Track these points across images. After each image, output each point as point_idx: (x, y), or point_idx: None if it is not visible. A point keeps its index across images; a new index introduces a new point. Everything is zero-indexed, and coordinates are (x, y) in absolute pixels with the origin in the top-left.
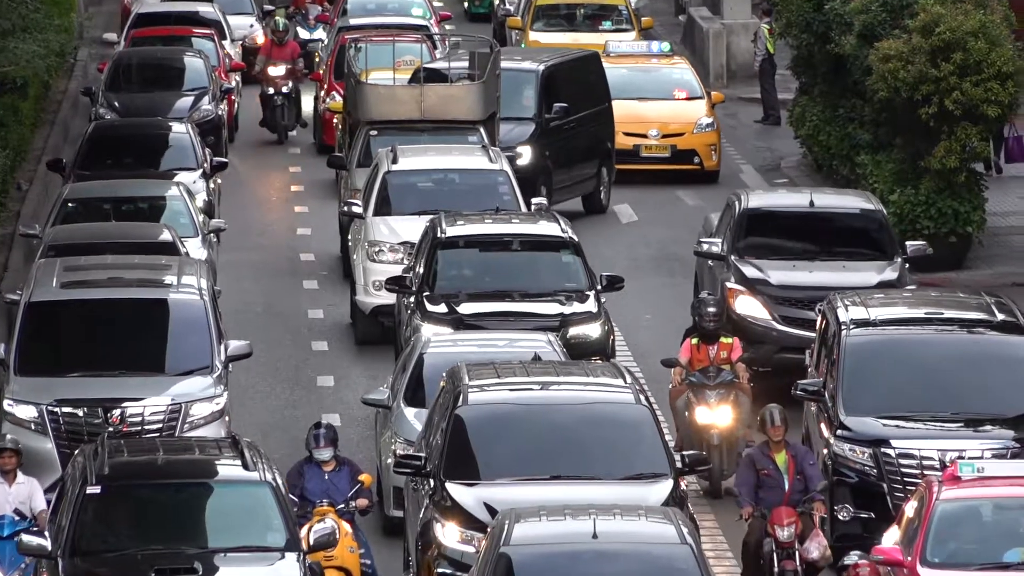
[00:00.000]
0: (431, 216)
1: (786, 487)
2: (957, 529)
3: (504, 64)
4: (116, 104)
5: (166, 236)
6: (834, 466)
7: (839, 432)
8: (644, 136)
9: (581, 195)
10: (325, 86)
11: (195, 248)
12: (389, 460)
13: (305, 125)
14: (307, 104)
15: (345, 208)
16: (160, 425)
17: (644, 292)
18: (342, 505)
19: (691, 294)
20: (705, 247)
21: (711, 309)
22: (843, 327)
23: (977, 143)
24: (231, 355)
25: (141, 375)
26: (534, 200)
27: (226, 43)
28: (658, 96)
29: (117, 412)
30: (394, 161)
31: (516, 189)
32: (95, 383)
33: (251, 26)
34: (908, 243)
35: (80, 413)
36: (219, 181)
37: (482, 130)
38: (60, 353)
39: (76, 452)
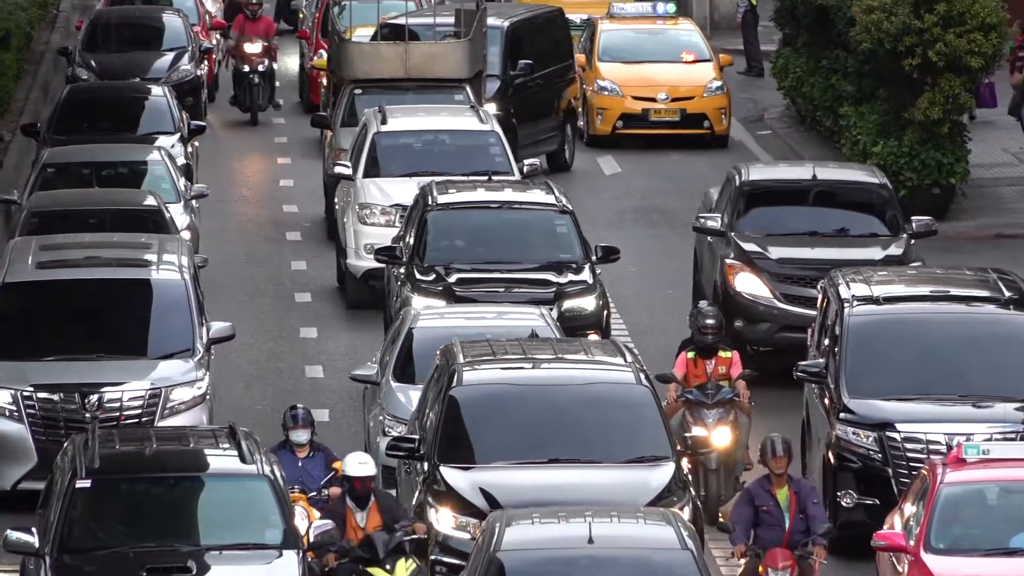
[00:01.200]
0: (422, 178)
1: (786, 526)
2: (962, 513)
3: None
4: (93, 64)
5: (151, 202)
6: (837, 451)
7: (842, 415)
8: (653, 100)
9: (545, 152)
10: (312, 44)
11: (178, 214)
12: (378, 438)
13: (279, 106)
14: (293, 63)
15: (333, 170)
16: (139, 411)
17: (627, 243)
18: (314, 493)
19: (675, 247)
20: (704, 222)
21: (709, 321)
22: (845, 305)
23: (961, 94)
24: (213, 337)
25: (120, 359)
26: (526, 161)
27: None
28: (665, 59)
29: (95, 397)
30: (383, 122)
31: (508, 150)
32: (72, 367)
33: None
34: (914, 218)
35: (56, 398)
36: (196, 144)
37: (468, 88)
38: (36, 336)
39: (67, 442)
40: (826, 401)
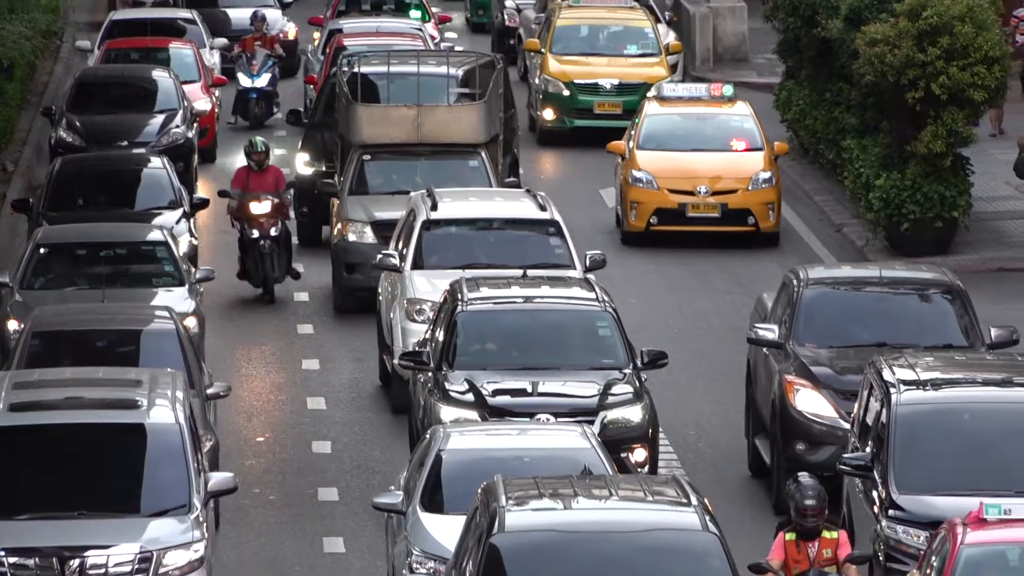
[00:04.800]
0: (476, 271)
1: None
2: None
3: (415, 68)
4: (78, 126)
5: (165, 316)
6: (886, 550)
7: (891, 512)
8: (691, 193)
9: None
10: (318, 89)
11: (181, 299)
12: (405, 572)
13: (298, 276)
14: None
15: (378, 259)
16: None
17: (629, 274)
18: None
19: (676, 278)
20: (759, 333)
21: (809, 503)
22: (891, 391)
23: (963, 127)
24: (212, 491)
25: (105, 517)
26: (589, 253)
27: (205, 52)
28: (712, 147)
29: (76, 563)
30: (433, 207)
31: (569, 241)
32: (49, 527)
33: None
34: (993, 328)
35: (31, 564)
36: (195, 218)
37: (484, 154)
38: (8, 490)
39: None
40: (873, 496)
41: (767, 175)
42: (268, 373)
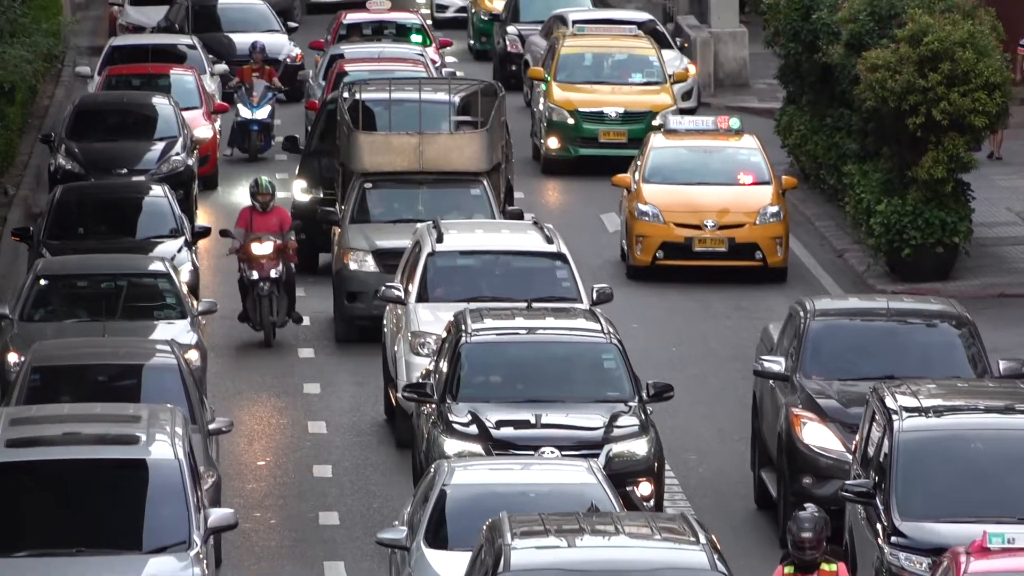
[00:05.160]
0: (481, 304)
1: None
2: None
3: (416, 95)
4: (77, 152)
5: (166, 350)
6: None
7: (893, 539)
8: (698, 227)
9: None
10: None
11: (182, 332)
12: None
13: (300, 320)
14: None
15: (382, 291)
16: None
17: (631, 301)
18: None
19: (677, 304)
20: (766, 365)
21: (806, 535)
22: (893, 417)
23: (964, 153)
24: (213, 527)
25: (103, 554)
26: (596, 286)
27: (205, 78)
28: (719, 180)
29: None
30: (438, 239)
31: (576, 275)
32: (47, 564)
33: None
34: (1002, 361)
35: None
36: (197, 246)
37: (486, 182)
38: (4, 528)
39: None
40: (876, 524)
41: (775, 209)
42: (269, 397)
